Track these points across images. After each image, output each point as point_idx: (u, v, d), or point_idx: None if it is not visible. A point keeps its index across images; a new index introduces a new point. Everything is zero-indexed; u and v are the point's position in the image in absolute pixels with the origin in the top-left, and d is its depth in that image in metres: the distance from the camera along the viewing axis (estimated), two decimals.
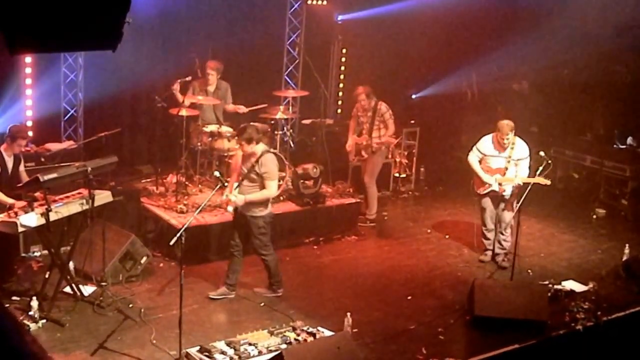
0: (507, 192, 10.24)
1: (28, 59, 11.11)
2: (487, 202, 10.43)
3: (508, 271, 9.88)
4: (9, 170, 8.99)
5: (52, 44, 3.34)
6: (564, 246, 11.59)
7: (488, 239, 10.62)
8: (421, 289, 9.76)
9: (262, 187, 8.69)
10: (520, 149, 10.16)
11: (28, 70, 11.24)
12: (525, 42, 14.21)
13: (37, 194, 8.32)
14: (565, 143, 14.27)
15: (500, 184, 10.21)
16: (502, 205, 10.40)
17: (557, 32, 13.98)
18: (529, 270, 10.41)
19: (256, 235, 8.86)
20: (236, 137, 8.76)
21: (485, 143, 10.33)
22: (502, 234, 10.46)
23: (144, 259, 9.62)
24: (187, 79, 11.40)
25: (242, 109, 11.87)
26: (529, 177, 9.99)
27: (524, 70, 15.03)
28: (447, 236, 11.73)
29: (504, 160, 10.18)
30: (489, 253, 10.66)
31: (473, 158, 10.40)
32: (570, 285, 9.76)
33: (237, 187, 8.73)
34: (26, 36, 3.11)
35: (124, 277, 9.29)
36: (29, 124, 11.33)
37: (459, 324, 8.77)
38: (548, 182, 9.98)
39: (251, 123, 11.51)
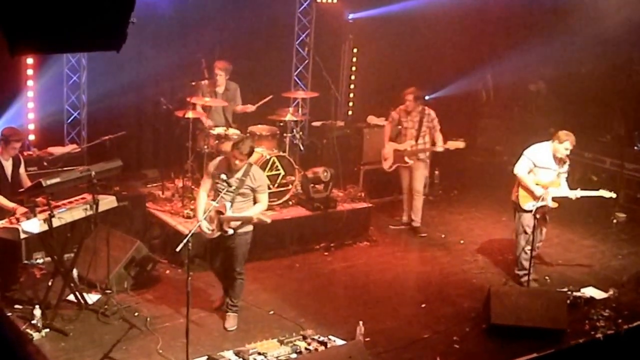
0: (553, 205, 9.77)
1: (29, 60, 11.10)
2: (532, 219, 9.68)
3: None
4: (9, 175, 8.98)
5: (54, 44, 3.34)
6: (583, 252, 11.53)
7: (528, 260, 9.79)
8: (435, 296, 9.73)
9: (254, 201, 8.44)
10: (566, 162, 9.86)
11: (29, 71, 11.23)
12: (542, 42, 14.18)
13: (39, 199, 8.32)
14: (584, 145, 14.16)
15: (553, 200, 9.71)
16: (543, 221, 9.99)
17: (575, 31, 13.94)
18: (547, 277, 10.36)
19: (242, 253, 8.53)
20: (234, 148, 8.19)
21: (540, 153, 9.78)
22: (535, 249, 10.01)
23: (150, 265, 9.63)
24: (192, 83, 11.41)
25: (250, 107, 11.84)
26: (589, 190, 9.82)
27: (541, 70, 15.00)
28: (462, 241, 11.69)
29: (554, 174, 9.77)
30: (528, 277, 9.85)
31: (523, 169, 9.77)
32: (589, 292, 9.72)
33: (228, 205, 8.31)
34: (27, 36, 3.11)
35: (129, 284, 9.29)
36: (31, 127, 11.34)
37: (474, 333, 8.74)
38: (614, 195, 9.88)
39: (258, 125, 11.62)
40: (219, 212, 8.22)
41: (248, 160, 8.35)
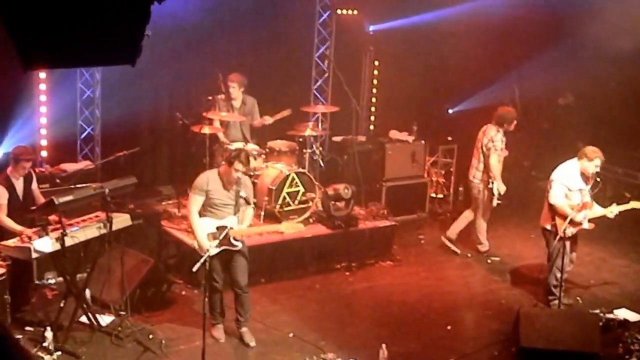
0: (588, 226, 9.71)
1: (42, 75, 11.18)
2: (567, 244, 9.59)
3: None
4: (20, 194, 9.03)
5: (68, 58, 3.34)
6: (616, 272, 11.43)
7: (559, 286, 9.71)
8: (462, 318, 9.69)
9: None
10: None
11: (42, 86, 11.30)
12: (571, 53, 14.11)
13: (52, 218, 8.34)
14: (615, 160, 14.06)
15: (588, 221, 9.61)
16: (574, 245, 9.94)
17: (604, 42, 13.85)
18: (579, 298, 10.27)
19: (245, 265, 8.68)
20: (236, 161, 8.38)
21: (570, 175, 9.64)
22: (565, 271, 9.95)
23: (165, 286, 9.62)
24: (209, 98, 11.43)
25: (267, 119, 11.82)
26: (622, 204, 9.72)
27: (570, 83, 14.91)
28: (489, 260, 11.62)
29: (586, 194, 9.62)
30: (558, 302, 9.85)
31: (559, 197, 9.60)
32: (623, 314, 9.62)
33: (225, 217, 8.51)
34: (40, 51, 3.11)
35: (143, 306, 9.28)
36: (44, 143, 11.40)
37: (503, 356, 8.68)
38: None
39: (277, 141, 11.63)
40: (223, 227, 8.29)
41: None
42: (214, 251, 8.11)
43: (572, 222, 9.48)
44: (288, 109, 11.94)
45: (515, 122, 11.47)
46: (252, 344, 8.66)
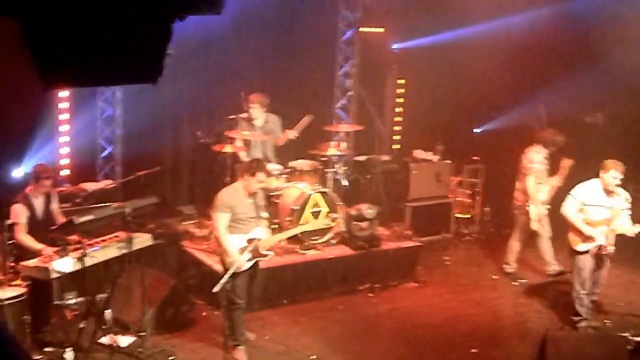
0: (611, 248, 9.68)
1: (63, 93, 11.26)
2: (586, 261, 9.68)
3: None
4: (39, 213, 9.12)
5: (89, 77, 3.36)
6: None
7: (584, 305, 9.84)
8: (487, 341, 9.61)
9: None
10: (624, 196, 9.71)
11: (63, 105, 11.38)
12: (598, 71, 14.05)
13: (72, 238, 8.38)
14: None
15: (606, 237, 9.59)
16: (600, 263, 9.87)
17: (633, 58, 13.80)
18: (607, 321, 10.19)
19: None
20: (258, 171, 8.61)
21: (588, 190, 9.70)
22: (594, 294, 10.02)
23: (186, 307, 9.63)
24: (231, 117, 11.46)
25: (291, 133, 11.75)
26: None
27: (597, 100, 14.84)
28: (515, 283, 11.55)
29: (607, 211, 9.63)
30: (584, 323, 9.89)
31: (570, 209, 9.72)
32: None
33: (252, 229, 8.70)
34: (62, 69, 3.13)
35: (164, 326, 9.30)
36: (64, 162, 11.47)
37: None
38: None
39: (299, 160, 11.63)
40: (252, 240, 8.47)
41: None
42: (246, 265, 8.29)
43: (586, 237, 9.56)
44: (307, 115, 11.86)
45: (561, 145, 11.29)
46: None
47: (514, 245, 11.76)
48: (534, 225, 11.28)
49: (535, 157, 11.23)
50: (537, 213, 11.19)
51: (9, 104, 10.54)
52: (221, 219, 8.57)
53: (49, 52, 3.04)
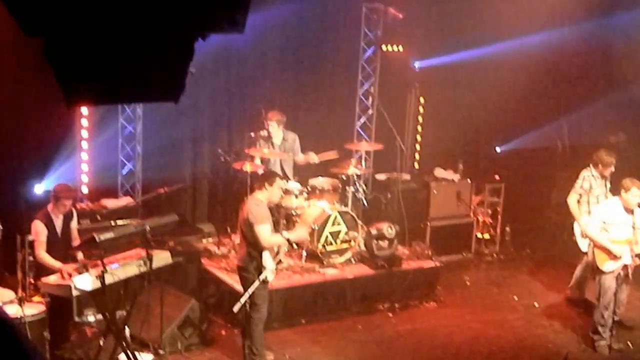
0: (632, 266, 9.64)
1: (84, 110, 11.34)
2: (612, 281, 9.64)
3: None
4: (59, 231, 9.20)
5: (111, 95, 3.39)
6: None
7: (606, 325, 9.71)
8: None
9: None
10: None
11: (84, 122, 11.46)
12: (622, 90, 14.02)
13: (91, 255, 8.44)
14: None
15: (632, 257, 9.53)
16: (622, 284, 9.75)
17: None
18: (629, 342, 10.11)
19: None
20: (275, 179, 8.99)
21: (608, 209, 9.72)
22: (615, 315, 9.88)
23: (205, 325, 9.65)
24: (251, 134, 11.51)
25: (314, 158, 11.86)
26: None
27: (621, 120, 14.80)
28: (536, 304, 11.49)
29: (630, 230, 9.58)
30: (603, 343, 9.80)
31: (594, 229, 9.71)
32: None
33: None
34: (84, 87, 3.17)
35: (182, 345, 9.32)
36: (85, 179, 11.54)
37: None
38: None
39: (319, 178, 11.65)
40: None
41: None
42: (271, 277, 8.67)
43: (610, 255, 9.53)
44: (334, 150, 11.95)
45: (611, 166, 10.97)
46: None
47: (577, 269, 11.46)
48: (579, 243, 10.98)
49: (582, 174, 11.05)
50: (580, 230, 10.96)
51: (31, 120, 10.65)
52: (267, 230, 8.74)
53: (71, 71, 3.08)
